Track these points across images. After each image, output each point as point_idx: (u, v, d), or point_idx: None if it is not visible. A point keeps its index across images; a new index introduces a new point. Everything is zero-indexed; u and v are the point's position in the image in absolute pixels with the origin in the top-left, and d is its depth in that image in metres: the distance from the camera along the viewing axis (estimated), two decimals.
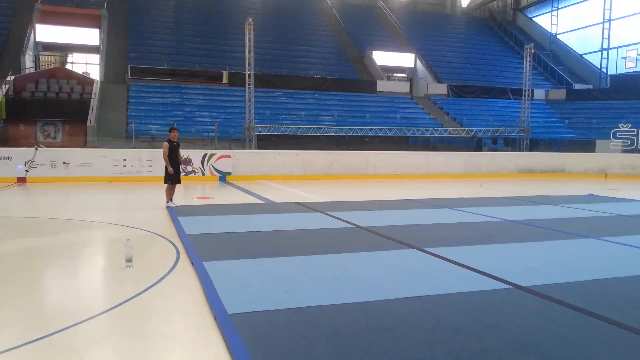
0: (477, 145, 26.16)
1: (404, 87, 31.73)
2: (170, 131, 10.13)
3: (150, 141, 20.60)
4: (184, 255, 5.91)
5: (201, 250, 6.03)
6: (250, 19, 21.23)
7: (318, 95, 28.34)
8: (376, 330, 3.59)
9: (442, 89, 31.87)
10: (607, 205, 11.51)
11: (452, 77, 34.27)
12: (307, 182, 17.26)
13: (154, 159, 16.62)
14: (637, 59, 36.12)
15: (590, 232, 7.67)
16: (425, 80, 33.67)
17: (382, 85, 30.62)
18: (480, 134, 26.11)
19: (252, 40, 21.25)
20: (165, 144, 9.91)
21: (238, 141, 22.19)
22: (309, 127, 23.40)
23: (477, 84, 33.45)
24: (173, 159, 10.01)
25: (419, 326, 3.67)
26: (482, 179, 20.24)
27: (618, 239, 7.16)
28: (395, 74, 35.10)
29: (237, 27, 30.44)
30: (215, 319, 3.79)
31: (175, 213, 9.13)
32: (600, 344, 3.35)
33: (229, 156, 17.80)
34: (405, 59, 35.16)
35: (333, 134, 23.67)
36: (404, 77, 35.18)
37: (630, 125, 25.92)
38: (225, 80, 27.73)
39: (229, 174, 17.59)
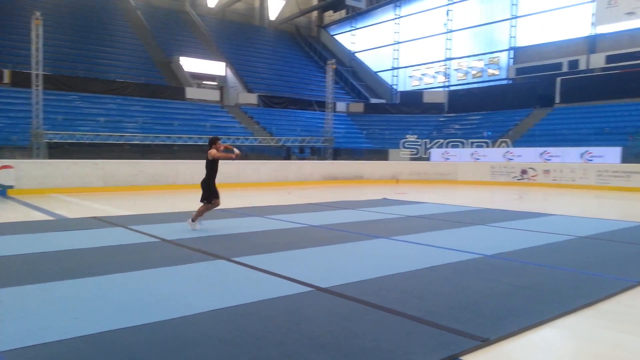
0: (286, 154, 27.22)
1: (215, 96, 31.53)
2: (214, 142, 8.59)
3: None
4: None
5: None
6: (38, 13, 18.95)
7: (120, 100, 26.48)
8: (178, 349, 3.40)
9: (252, 98, 32.47)
10: (398, 207, 12.88)
11: (262, 87, 35.16)
12: (108, 195, 15.95)
13: None
14: (420, 78, 41.53)
15: (382, 233, 8.46)
16: (235, 89, 33.93)
17: (191, 93, 29.97)
18: (289, 144, 27.22)
19: (41, 36, 18.97)
20: (215, 149, 8.53)
21: (23, 149, 19.50)
22: (109, 135, 21.72)
23: (285, 95, 34.85)
24: (215, 173, 8.65)
25: (223, 339, 3.58)
26: (290, 187, 21.08)
27: (405, 237, 8.02)
28: (205, 82, 34.68)
29: (23, 21, 26.88)
30: None
31: None
32: (387, 334, 3.66)
33: (11, 167, 15.52)
34: (216, 67, 34.99)
35: (138, 142, 22.32)
36: (215, 85, 34.97)
37: (416, 136, 29.59)
38: (7, 80, 24.26)
39: (11, 187, 15.34)
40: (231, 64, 36.02)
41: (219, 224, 9.50)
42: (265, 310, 4.23)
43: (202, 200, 8.69)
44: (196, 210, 8.78)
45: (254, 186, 20.59)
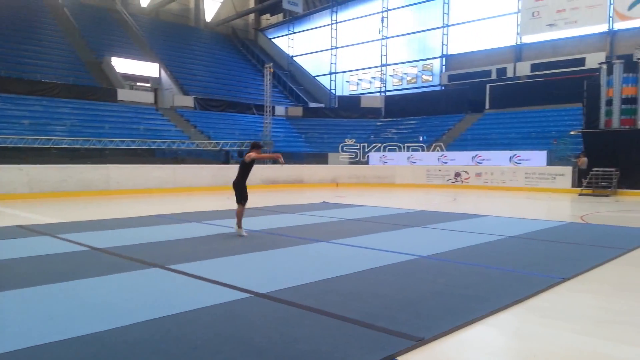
0: (224, 158, 26.82)
1: (149, 98, 30.55)
2: (257, 147, 8.79)
3: None
4: None
5: None
6: None
7: (47, 102, 25.10)
8: None
9: (188, 101, 31.75)
10: (337, 211, 12.98)
11: (199, 90, 34.47)
12: (34, 202, 15.08)
13: None
14: (357, 83, 42.21)
15: (322, 236, 8.49)
16: (170, 91, 33.06)
17: (123, 94, 28.91)
18: (227, 147, 26.84)
19: None
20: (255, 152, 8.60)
21: None
22: (35, 138, 20.54)
23: (223, 98, 34.34)
24: (247, 175, 8.72)
25: (158, 349, 3.46)
26: (230, 192, 20.71)
27: (344, 240, 8.08)
28: (138, 83, 33.54)
29: None
30: None
31: None
32: (325, 337, 3.66)
33: None
34: (149, 68, 33.92)
35: (66, 146, 21.27)
36: (148, 87, 33.89)
37: (354, 140, 29.98)
38: None
39: None
40: (165, 65, 35.08)
41: (154, 230, 9.21)
42: (202, 318, 4.13)
43: (238, 202, 8.70)
44: (235, 216, 8.76)
45: (192, 191, 20.13)
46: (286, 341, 3.60)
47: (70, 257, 6.70)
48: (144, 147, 23.75)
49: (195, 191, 20.19)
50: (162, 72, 34.44)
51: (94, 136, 22.75)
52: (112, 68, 31.69)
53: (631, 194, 18.98)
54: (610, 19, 28.51)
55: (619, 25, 28.52)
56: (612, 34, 28.85)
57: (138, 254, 6.78)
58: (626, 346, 3.64)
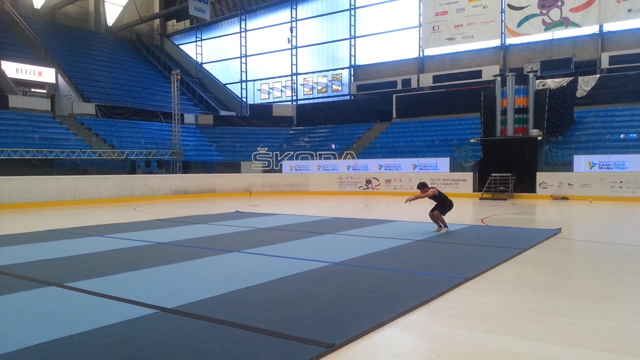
0: (130, 168, 25.65)
1: (45, 105, 28.51)
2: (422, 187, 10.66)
3: None
4: None
5: None
6: None
7: None
8: None
9: (89, 108, 30.03)
10: (250, 220, 12.80)
11: (101, 96, 32.76)
12: None
13: None
14: (269, 92, 42.18)
15: (234, 247, 8.31)
16: (69, 98, 31.10)
17: (16, 101, 26.77)
18: (133, 157, 25.69)
19: None
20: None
21: None
22: None
23: (127, 105, 32.86)
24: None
25: None
26: (136, 203, 19.86)
27: (256, 250, 7.97)
28: (33, 89, 31.21)
29: None
30: None
31: None
32: (235, 350, 3.56)
33: None
34: (45, 74, 31.71)
35: None
36: (44, 93, 31.64)
37: (266, 148, 29.87)
38: None
39: None
40: (63, 70, 32.98)
41: (51, 246, 8.54)
42: (102, 338, 3.86)
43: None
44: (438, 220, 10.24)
45: (94, 203, 19.00)
46: (194, 357, 3.45)
47: None
48: (40, 158, 22.10)
49: (98, 203, 19.09)
50: (60, 77, 32.33)
51: None
52: (2, 73, 29.27)
53: (525, 197, 20.54)
54: (502, 34, 30.82)
55: (510, 40, 30.92)
56: (504, 48, 31.18)
57: (32, 272, 6.25)
58: (521, 340, 3.88)
